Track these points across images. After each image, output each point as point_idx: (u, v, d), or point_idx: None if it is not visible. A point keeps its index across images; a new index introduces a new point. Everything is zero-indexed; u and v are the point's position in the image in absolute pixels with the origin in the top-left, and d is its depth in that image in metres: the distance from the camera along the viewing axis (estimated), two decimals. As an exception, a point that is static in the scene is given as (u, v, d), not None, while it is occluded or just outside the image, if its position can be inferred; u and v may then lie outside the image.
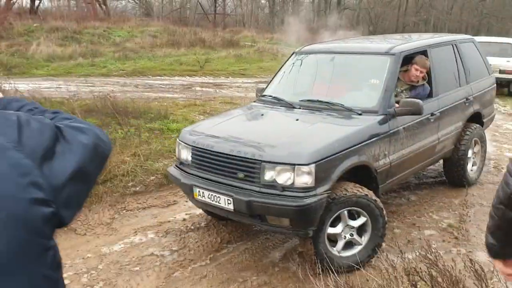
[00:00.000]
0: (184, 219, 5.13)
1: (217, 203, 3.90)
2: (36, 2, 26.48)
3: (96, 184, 5.51)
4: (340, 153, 3.77)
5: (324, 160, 3.64)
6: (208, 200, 3.97)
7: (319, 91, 4.94)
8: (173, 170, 4.48)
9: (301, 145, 3.79)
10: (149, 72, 13.65)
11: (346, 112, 4.40)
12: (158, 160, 6.45)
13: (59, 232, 4.70)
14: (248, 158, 3.74)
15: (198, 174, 4.13)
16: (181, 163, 4.37)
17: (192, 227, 4.92)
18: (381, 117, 4.29)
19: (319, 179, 3.60)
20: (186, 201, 5.66)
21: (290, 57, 5.62)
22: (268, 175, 3.65)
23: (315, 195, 3.57)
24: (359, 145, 3.96)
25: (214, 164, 3.98)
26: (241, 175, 3.80)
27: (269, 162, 3.64)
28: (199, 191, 4.02)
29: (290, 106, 4.73)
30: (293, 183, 3.58)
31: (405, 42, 5.27)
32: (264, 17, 46.98)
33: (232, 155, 3.83)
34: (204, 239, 4.66)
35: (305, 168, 3.55)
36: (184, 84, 12.67)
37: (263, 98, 5.16)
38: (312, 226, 3.68)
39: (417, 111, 4.37)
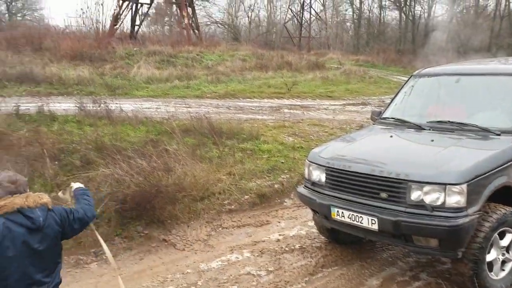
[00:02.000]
0: (278, 240, 5.19)
1: (358, 223, 3.92)
2: (136, 28, 28.56)
3: (195, 201, 5.79)
4: (489, 173, 3.72)
5: (475, 179, 3.61)
6: (348, 220, 4.01)
7: (446, 113, 4.85)
8: (304, 191, 4.56)
9: (450, 165, 3.73)
10: (240, 95, 14.07)
11: (482, 132, 4.29)
12: (251, 180, 6.62)
13: (160, 246, 4.94)
14: (392, 178, 3.75)
15: (334, 194, 4.19)
16: (313, 183, 4.44)
17: (287, 249, 4.96)
18: None
19: (471, 199, 3.56)
20: (279, 222, 5.75)
21: (408, 79, 5.58)
22: (415, 195, 3.65)
23: (466, 216, 3.54)
24: (505, 165, 3.87)
25: (353, 184, 4.02)
26: (384, 195, 3.81)
27: (417, 181, 3.64)
28: (337, 211, 4.07)
29: (418, 127, 4.67)
30: (443, 203, 3.55)
31: None
32: (349, 39, 46.66)
33: (374, 175, 3.86)
34: (299, 262, 4.68)
35: (457, 188, 3.53)
36: (272, 106, 12.91)
37: (383, 120, 5.17)
38: (462, 247, 3.65)
39: None
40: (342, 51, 35.58)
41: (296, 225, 5.63)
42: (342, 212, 4.03)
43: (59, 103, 10.10)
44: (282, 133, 9.39)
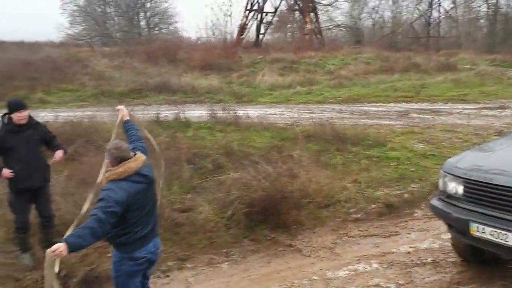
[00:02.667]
0: (409, 252, 4.94)
1: (503, 241, 3.59)
2: (260, 36, 29.60)
3: (320, 208, 5.78)
4: None
5: None
6: (489, 237, 3.68)
7: None
8: (438, 203, 4.27)
9: None
10: (364, 99, 13.78)
11: None
12: (378, 189, 6.40)
13: (286, 251, 5.01)
14: None
15: (473, 208, 3.87)
16: (448, 196, 4.17)
17: (418, 262, 4.70)
18: None
19: None
20: (409, 233, 5.47)
21: None
22: None
23: None
24: None
25: (495, 198, 3.69)
26: None
27: None
28: (478, 227, 3.75)
29: None
30: None
31: None
32: (482, 37, 42.82)
33: None
34: (431, 277, 4.39)
35: None
36: (399, 110, 12.38)
37: None
38: None
39: None
40: (475, 51, 32.81)
41: (428, 237, 5.30)
42: (483, 228, 3.67)
43: (193, 110, 10.88)
44: (411, 139, 8.97)
